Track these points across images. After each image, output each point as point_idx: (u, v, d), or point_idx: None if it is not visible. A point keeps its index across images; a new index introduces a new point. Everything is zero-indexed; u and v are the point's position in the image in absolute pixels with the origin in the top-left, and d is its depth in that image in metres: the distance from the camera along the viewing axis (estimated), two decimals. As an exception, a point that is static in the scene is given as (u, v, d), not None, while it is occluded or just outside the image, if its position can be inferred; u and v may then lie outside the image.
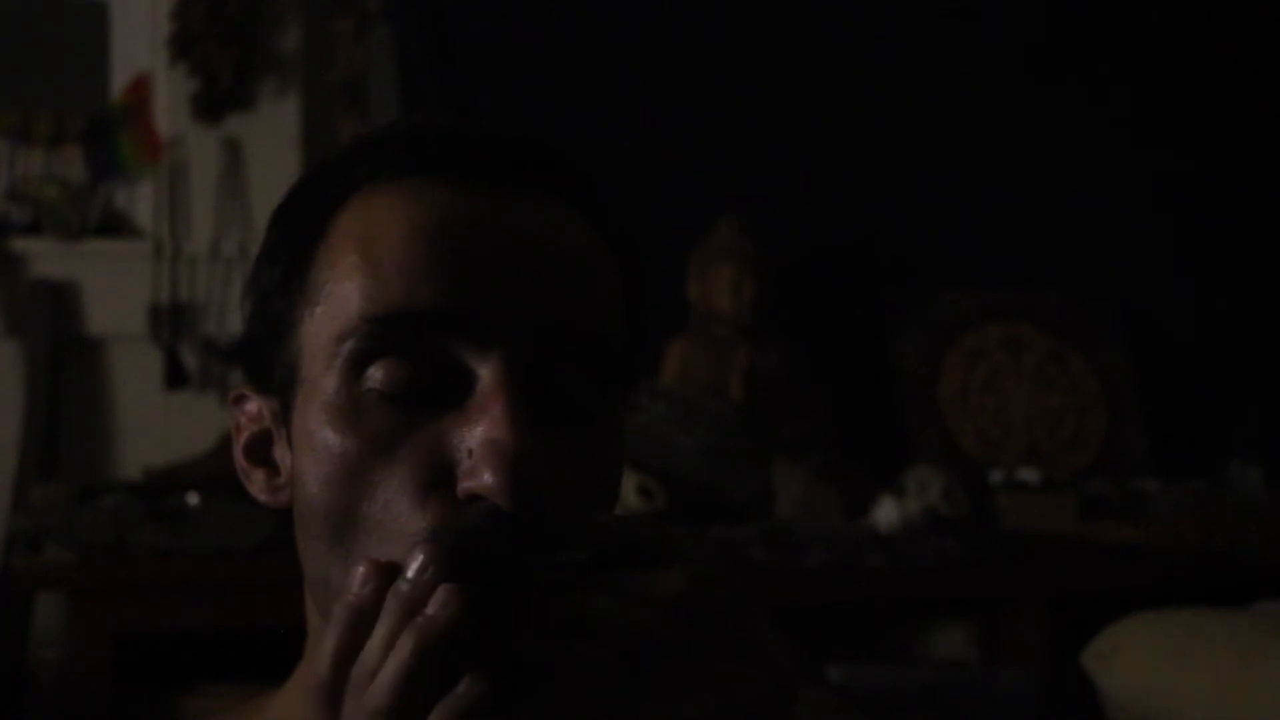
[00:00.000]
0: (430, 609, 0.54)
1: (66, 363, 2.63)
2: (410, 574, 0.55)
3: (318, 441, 0.65)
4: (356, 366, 0.65)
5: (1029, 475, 2.70)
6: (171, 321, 2.68)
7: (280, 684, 0.77)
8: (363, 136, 0.73)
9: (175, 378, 2.67)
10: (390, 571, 0.57)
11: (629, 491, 2.33)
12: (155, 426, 2.66)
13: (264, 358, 0.70)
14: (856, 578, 2.30)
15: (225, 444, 2.54)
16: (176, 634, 2.26)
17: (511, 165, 0.68)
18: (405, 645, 0.54)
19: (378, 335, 0.64)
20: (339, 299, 0.66)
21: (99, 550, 2.13)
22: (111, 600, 2.13)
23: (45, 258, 2.64)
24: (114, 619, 2.12)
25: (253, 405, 0.73)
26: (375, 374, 0.64)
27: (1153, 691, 2.01)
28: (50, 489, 2.36)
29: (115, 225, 2.73)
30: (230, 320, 2.69)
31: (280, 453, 0.71)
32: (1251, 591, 2.28)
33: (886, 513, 2.39)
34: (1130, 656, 2.05)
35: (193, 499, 2.23)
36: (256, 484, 0.72)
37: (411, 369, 0.64)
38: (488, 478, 0.60)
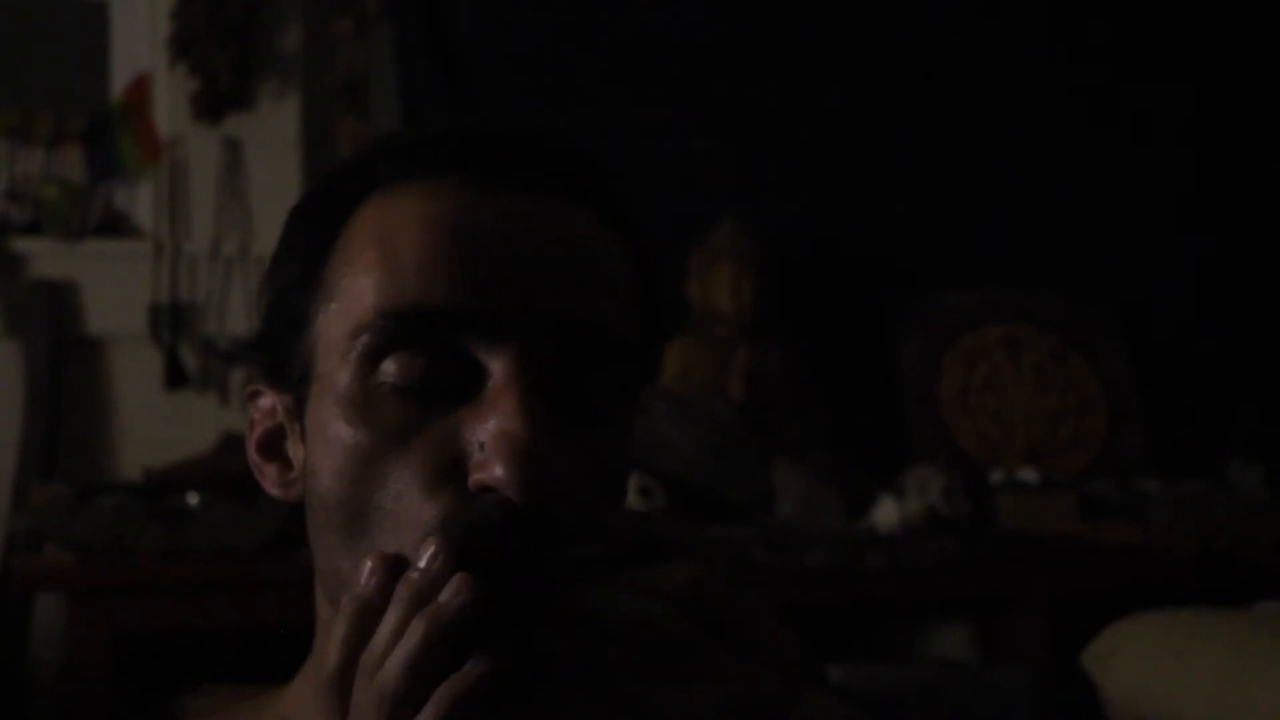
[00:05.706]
0: (442, 597, 0.54)
1: (66, 363, 2.63)
2: (421, 563, 0.56)
3: (331, 434, 0.66)
4: (371, 360, 0.65)
5: (1029, 475, 2.70)
6: (171, 321, 2.68)
7: (280, 684, 0.78)
8: (383, 137, 0.74)
9: (175, 378, 2.67)
10: (398, 564, 0.58)
11: (629, 491, 2.33)
12: (155, 426, 2.66)
13: (279, 353, 0.71)
14: (856, 578, 2.30)
15: (225, 444, 2.54)
16: (176, 634, 2.26)
17: (530, 166, 0.69)
18: (416, 631, 0.54)
19: (393, 330, 0.65)
20: (355, 294, 0.67)
21: (99, 550, 2.13)
22: (111, 600, 2.13)
23: (45, 258, 2.64)
24: (114, 619, 2.11)
25: (267, 401, 0.73)
26: (389, 368, 0.65)
27: (1153, 691, 2.01)
28: (50, 489, 2.36)
29: (115, 225, 2.72)
30: (230, 320, 2.69)
31: (293, 448, 0.72)
32: (1251, 591, 2.28)
33: (886, 513, 2.39)
34: (1130, 656, 2.05)
35: (193, 499, 2.22)
36: (269, 479, 0.73)
37: (425, 363, 0.65)
38: (499, 470, 0.60)
